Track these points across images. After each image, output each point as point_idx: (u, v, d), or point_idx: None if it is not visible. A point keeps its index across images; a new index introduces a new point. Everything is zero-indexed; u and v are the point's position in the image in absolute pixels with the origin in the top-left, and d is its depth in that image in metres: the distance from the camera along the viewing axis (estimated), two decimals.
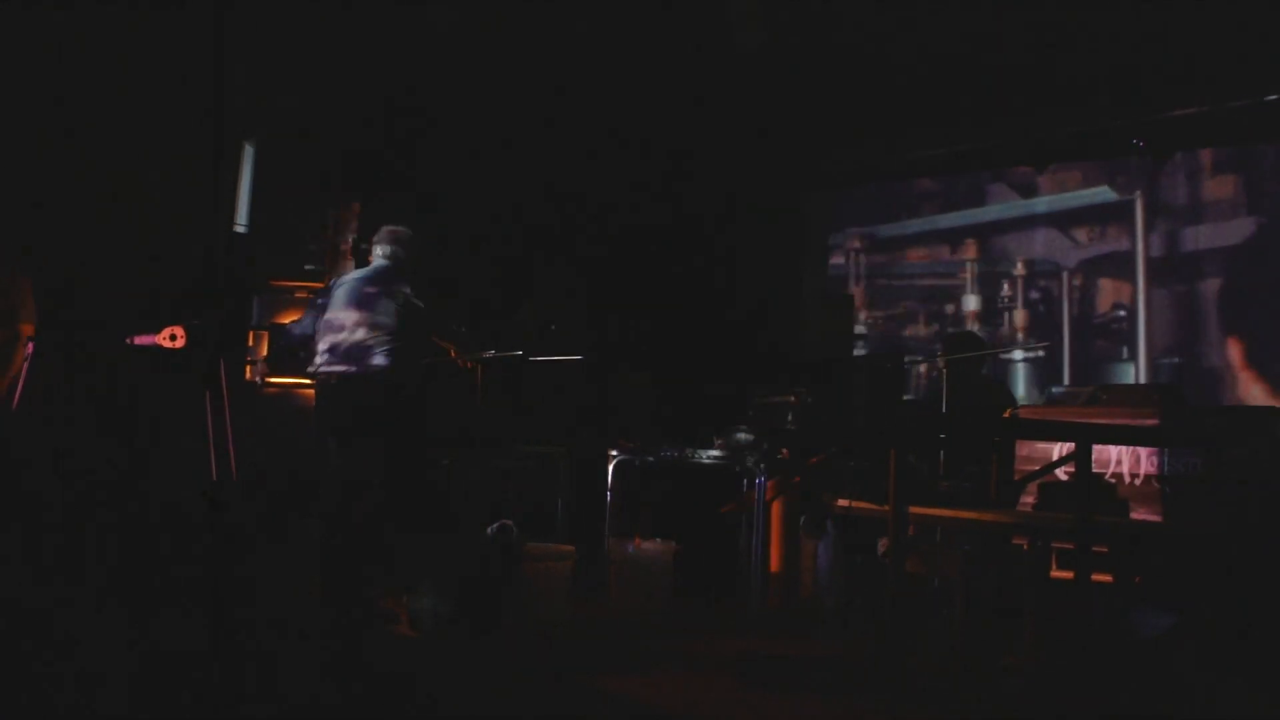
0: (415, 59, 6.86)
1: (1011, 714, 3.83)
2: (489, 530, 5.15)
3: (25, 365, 4.45)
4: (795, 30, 6.54)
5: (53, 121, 5.78)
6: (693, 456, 5.67)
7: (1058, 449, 4.43)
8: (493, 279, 7.39)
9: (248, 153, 6.73)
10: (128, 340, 4.70)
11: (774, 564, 5.63)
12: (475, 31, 6.71)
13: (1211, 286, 6.70)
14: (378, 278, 5.10)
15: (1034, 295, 7.43)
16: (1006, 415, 4.86)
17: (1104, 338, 7.17)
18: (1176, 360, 6.84)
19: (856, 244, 8.40)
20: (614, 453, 5.78)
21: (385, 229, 5.26)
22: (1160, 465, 4.21)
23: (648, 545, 5.41)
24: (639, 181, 7.86)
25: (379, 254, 5.21)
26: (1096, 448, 4.02)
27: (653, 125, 7.55)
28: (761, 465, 5.45)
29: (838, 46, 6.68)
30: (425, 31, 6.65)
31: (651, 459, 5.76)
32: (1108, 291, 7.14)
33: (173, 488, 5.23)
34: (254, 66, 6.53)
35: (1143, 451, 4.28)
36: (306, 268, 6.69)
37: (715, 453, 5.63)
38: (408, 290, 5.08)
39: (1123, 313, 7.06)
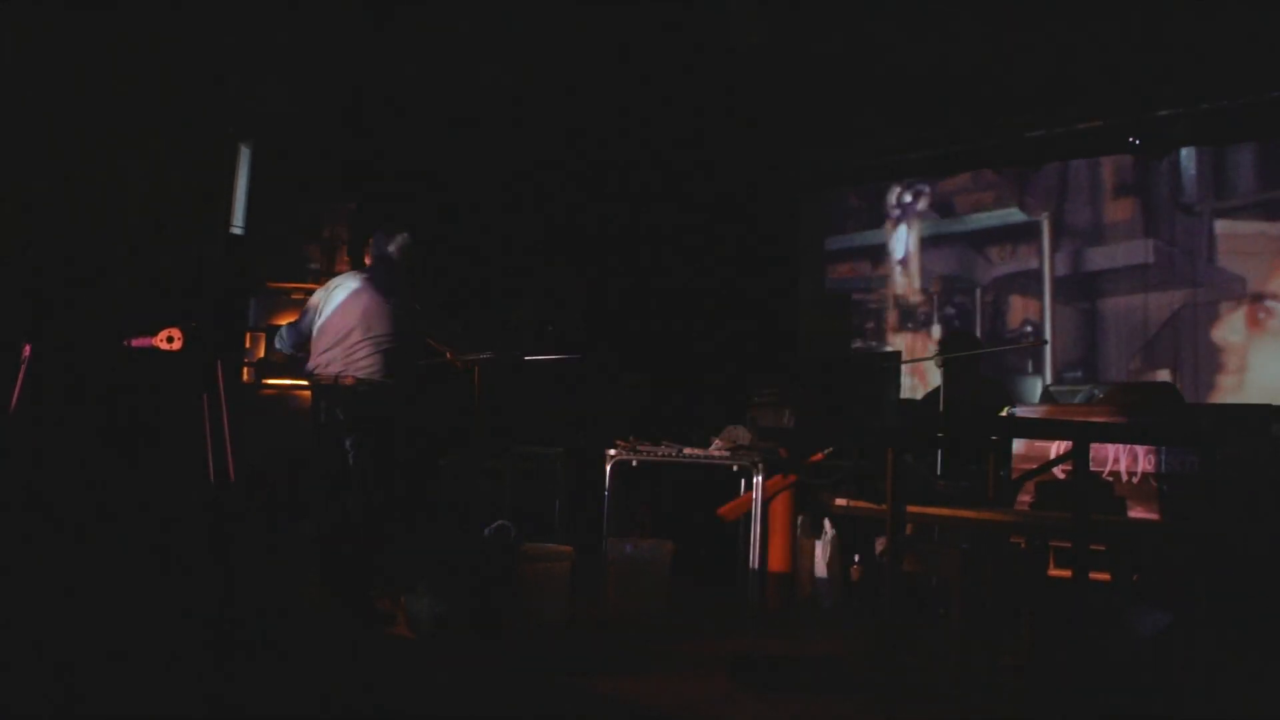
0: (412, 58, 6.85)
1: (1010, 714, 3.83)
2: (487, 530, 5.15)
3: (22, 368, 4.44)
4: (793, 29, 6.54)
5: (50, 123, 5.77)
6: (691, 456, 5.66)
7: (1055, 447, 4.42)
8: (489, 280, 7.40)
9: (244, 154, 6.73)
10: (125, 342, 4.69)
11: (772, 564, 5.63)
12: (474, 30, 6.70)
13: (1110, 304, 6.99)
14: (374, 279, 5.10)
15: (950, 310, 7.70)
16: (1003, 414, 4.86)
17: (1014, 352, 7.41)
18: (1079, 374, 7.07)
19: None
20: (612, 453, 5.78)
21: (381, 230, 5.25)
22: (1157, 463, 4.20)
23: (646, 545, 5.41)
24: (637, 181, 7.86)
25: (375, 255, 5.20)
26: (1094, 446, 4.02)
27: (651, 124, 7.55)
28: (760, 465, 5.45)
29: (834, 45, 6.68)
30: (423, 31, 6.65)
31: (650, 459, 5.75)
32: (1017, 307, 7.43)
33: (171, 490, 5.23)
34: (249, 67, 6.53)
35: (1140, 449, 4.27)
36: (303, 269, 6.69)
37: (714, 452, 5.62)
38: (404, 291, 5.08)
39: (1030, 328, 7.34)
